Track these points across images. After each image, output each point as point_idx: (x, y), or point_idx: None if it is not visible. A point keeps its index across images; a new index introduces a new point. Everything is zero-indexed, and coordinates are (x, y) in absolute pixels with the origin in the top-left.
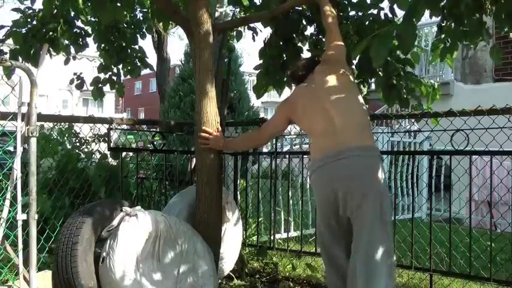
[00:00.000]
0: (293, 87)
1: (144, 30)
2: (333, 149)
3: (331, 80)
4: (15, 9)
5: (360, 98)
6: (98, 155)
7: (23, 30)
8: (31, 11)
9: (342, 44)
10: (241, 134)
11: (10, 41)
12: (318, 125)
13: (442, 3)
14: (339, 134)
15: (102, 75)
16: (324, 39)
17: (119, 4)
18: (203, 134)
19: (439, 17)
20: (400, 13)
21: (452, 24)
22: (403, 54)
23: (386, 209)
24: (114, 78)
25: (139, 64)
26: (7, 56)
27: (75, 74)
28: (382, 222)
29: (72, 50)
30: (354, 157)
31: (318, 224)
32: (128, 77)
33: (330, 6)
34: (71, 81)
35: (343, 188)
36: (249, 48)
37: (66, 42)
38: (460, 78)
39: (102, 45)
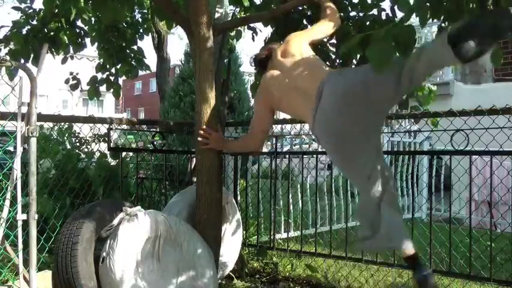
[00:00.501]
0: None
1: (141, 31)
2: (314, 97)
3: (290, 60)
4: (16, 8)
5: (311, 53)
6: (98, 155)
7: (24, 31)
8: (31, 10)
9: (323, 27)
10: (240, 138)
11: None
12: (297, 101)
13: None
14: (311, 86)
15: (99, 75)
16: (324, 40)
17: (119, 4)
18: (203, 134)
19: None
20: (400, 14)
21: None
22: (402, 55)
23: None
24: (112, 78)
25: (135, 65)
26: (7, 57)
27: (71, 73)
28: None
29: (71, 50)
30: (329, 81)
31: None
32: (124, 78)
33: (330, 4)
34: (67, 81)
35: (344, 103)
36: (249, 49)
37: (66, 42)
38: (460, 78)
39: (102, 45)
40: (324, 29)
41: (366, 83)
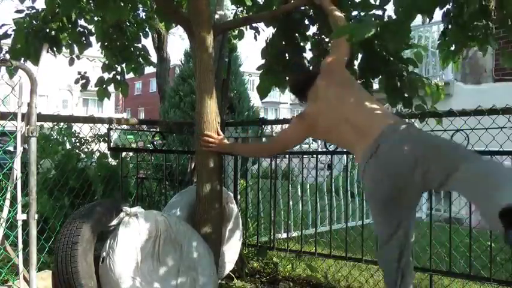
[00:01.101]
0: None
1: (147, 29)
2: (371, 143)
3: (340, 90)
4: (18, 11)
5: (364, 90)
6: (98, 155)
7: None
8: (34, 10)
9: (344, 47)
10: (254, 143)
11: (8, 39)
12: (348, 135)
13: (444, 9)
14: (368, 130)
15: (106, 75)
16: (326, 39)
17: (122, 4)
18: (206, 138)
19: (443, 21)
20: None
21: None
22: (391, 48)
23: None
24: (118, 77)
25: (142, 62)
26: (7, 56)
27: (79, 73)
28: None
29: (76, 50)
30: (390, 136)
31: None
32: (130, 75)
33: (335, 8)
34: (76, 81)
35: (398, 164)
36: (247, 49)
37: (69, 41)
38: (460, 78)
39: (106, 44)
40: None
41: (418, 167)
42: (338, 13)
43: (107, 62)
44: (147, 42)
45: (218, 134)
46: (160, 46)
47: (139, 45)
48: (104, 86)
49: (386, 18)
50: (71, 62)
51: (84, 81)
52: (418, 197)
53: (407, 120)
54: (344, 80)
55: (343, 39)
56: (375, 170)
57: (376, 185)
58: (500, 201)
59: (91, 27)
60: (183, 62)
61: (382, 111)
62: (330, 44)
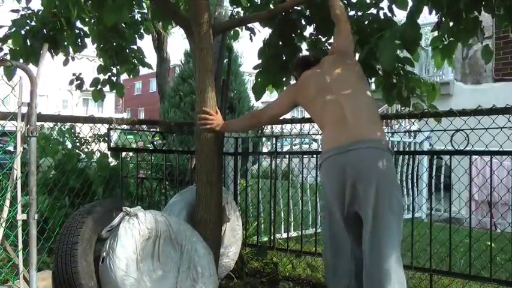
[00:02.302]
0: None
1: (142, 31)
2: (345, 141)
3: (342, 72)
4: (14, 11)
5: (369, 90)
6: (98, 155)
7: (23, 31)
8: (30, 11)
9: (350, 35)
10: (243, 117)
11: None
12: (329, 115)
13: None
14: (351, 127)
15: (101, 76)
16: (323, 39)
17: (119, 5)
18: (204, 116)
19: (437, 15)
20: (398, 12)
21: (450, 22)
22: (410, 53)
23: (396, 201)
24: (114, 78)
25: (137, 64)
26: (8, 56)
27: (74, 74)
28: (392, 213)
29: (71, 51)
30: (366, 149)
31: (325, 213)
32: (126, 77)
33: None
34: (71, 82)
35: (352, 177)
36: (246, 50)
37: (65, 42)
38: (460, 78)
39: (102, 45)
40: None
41: (377, 193)
42: (338, 2)
43: (102, 63)
44: (147, 43)
45: (216, 113)
46: (160, 46)
47: (135, 47)
48: (100, 86)
49: (382, 17)
50: (66, 63)
51: (78, 82)
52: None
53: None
54: (354, 68)
55: (344, 23)
56: (327, 167)
57: (325, 179)
58: None
59: (87, 28)
60: (183, 62)
61: (372, 117)
62: (326, 44)
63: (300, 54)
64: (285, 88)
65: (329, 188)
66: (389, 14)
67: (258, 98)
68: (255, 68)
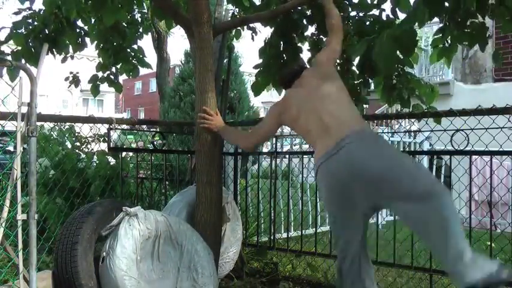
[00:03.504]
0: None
1: (140, 30)
2: (331, 145)
3: (318, 84)
4: (16, 13)
5: (345, 92)
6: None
7: (24, 32)
8: (31, 11)
9: (338, 52)
10: (238, 132)
11: (11, 41)
12: (313, 130)
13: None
14: (334, 130)
15: (100, 74)
16: (324, 39)
17: (119, 5)
18: (203, 115)
19: (440, 19)
20: (401, 15)
21: (452, 26)
22: (404, 56)
23: (408, 166)
24: (112, 77)
25: (137, 64)
26: (9, 57)
27: (71, 73)
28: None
29: (71, 50)
30: (351, 144)
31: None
32: (125, 77)
33: (334, 6)
34: (66, 79)
35: (351, 175)
36: (246, 50)
37: (66, 42)
38: (460, 78)
39: (101, 45)
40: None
41: (382, 175)
42: (334, 11)
43: (101, 62)
44: (147, 43)
45: (216, 114)
46: (160, 46)
47: (135, 47)
48: (98, 83)
49: (384, 18)
50: (64, 60)
51: (74, 80)
52: (365, 208)
53: (374, 127)
54: (328, 74)
55: (336, 36)
56: (328, 174)
57: (328, 188)
58: (464, 277)
59: (87, 28)
60: (183, 62)
61: (351, 114)
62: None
63: (300, 55)
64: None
65: (331, 195)
66: (391, 16)
67: (256, 95)
68: (255, 67)
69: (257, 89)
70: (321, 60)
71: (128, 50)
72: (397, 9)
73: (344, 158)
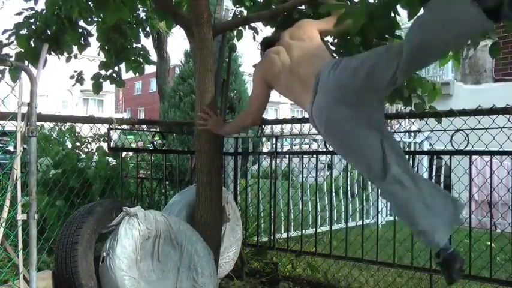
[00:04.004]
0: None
1: (147, 29)
2: (312, 86)
3: (296, 42)
4: (18, 13)
5: (318, 42)
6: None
7: (26, 32)
8: (33, 12)
9: (327, 26)
10: (236, 118)
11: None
12: (294, 87)
13: None
14: (310, 78)
15: (103, 72)
16: (325, 39)
17: (122, 4)
18: (202, 114)
19: None
20: (401, 12)
21: None
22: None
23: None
24: (114, 75)
25: (142, 61)
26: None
27: (75, 71)
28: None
29: (75, 50)
30: (323, 74)
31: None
32: (128, 75)
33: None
34: (72, 77)
35: (337, 99)
36: (246, 50)
37: (69, 42)
38: (460, 78)
39: (104, 45)
40: (333, 20)
41: (359, 72)
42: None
43: (104, 61)
44: (147, 43)
45: (215, 114)
46: (160, 46)
47: (139, 45)
48: (100, 80)
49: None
50: (68, 60)
51: (79, 78)
52: (374, 101)
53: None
54: (306, 34)
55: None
56: (319, 113)
57: (326, 127)
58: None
59: (90, 28)
60: (183, 62)
61: (320, 56)
62: (328, 44)
63: None
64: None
65: (333, 127)
66: (392, 14)
67: None
68: (255, 66)
69: None
70: (301, 23)
71: (130, 49)
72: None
73: (324, 87)
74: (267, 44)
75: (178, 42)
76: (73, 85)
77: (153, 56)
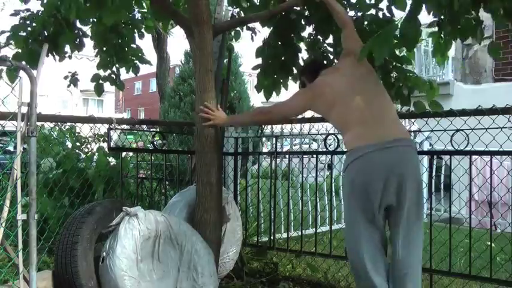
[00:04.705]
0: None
1: (142, 30)
2: (383, 138)
3: (362, 73)
4: (14, 14)
5: (386, 92)
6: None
7: (24, 34)
8: (29, 13)
9: (359, 39)
10: (253, 113)
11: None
12: (355, 115)
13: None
14: (385, 125)
15: (101, 72)
16: (321, 39)
17: (119, 4)
18: (205, 110)
19: (436, 15)
20: (397, 13)
21: (446, 21)
22: (408, 49)
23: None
24: (113, 76)
25: (136, 62)
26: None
27: (69, 72)
28: (421, 214)
29: (68, 50)
30: (406, 147)
31: (353, 216)
32: (126, 76)
33: (336, 2)
34: (66, 77)
35: (398, 175)
36: (246, 50)
37: (65, 43)
38: (460, 78)
39: (100, 45)
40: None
41: (414, 188)
42: (339, 6)
43: (101, 61)
44: (148, 43)
45: (217, 109)
46: (160, 46)
47: (134, 46)
48: (100, 82)
49: (381, 17)
50: (61, 60)
51: (73, 78)
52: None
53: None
54: (370, 71)
55: (352, 28)
56: (361, 165)
57: (356, 179)
58: None
59: (86, 28)
60: (183, 62)
61: (397, 117)
62: (325, 45)
63: (299, 54)
64: (298, 90)
65: (362, 187)
66: (388, 15)
67: (268, 97)
68: (254, 68)
69: (266, 90)
70: (354, 50)
71: (127, 49)
72: (393, 7)
73: (397, 157)
74: (314, 70)
75: (178, 42)
76: (68, 86)
77: (152, 57)
